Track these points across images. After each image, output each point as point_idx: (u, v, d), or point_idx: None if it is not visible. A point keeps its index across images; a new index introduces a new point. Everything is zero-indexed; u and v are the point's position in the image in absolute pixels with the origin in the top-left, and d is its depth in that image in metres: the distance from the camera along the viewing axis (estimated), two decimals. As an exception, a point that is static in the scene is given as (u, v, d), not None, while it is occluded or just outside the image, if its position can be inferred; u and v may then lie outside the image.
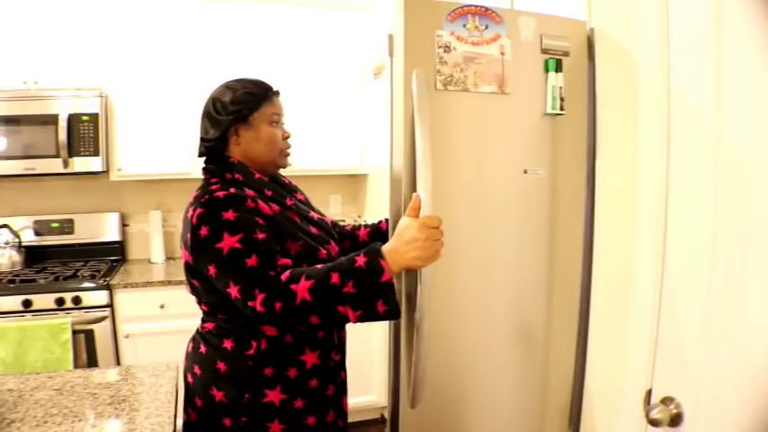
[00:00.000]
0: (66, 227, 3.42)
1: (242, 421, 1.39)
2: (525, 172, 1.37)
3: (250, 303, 1.24)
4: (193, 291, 1.45)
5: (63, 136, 2.99)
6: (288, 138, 1.53)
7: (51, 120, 3.00)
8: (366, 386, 3.32)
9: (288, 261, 1.29)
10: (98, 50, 3.09)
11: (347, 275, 1.21)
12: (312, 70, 3.40)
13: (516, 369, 1.51)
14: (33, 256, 3.33)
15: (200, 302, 1.46)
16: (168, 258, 3.53)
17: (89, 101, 3.06)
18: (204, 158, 1.51)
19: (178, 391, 1.52)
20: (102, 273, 3.08)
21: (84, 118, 3.05)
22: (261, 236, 1.29)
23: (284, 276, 1.23)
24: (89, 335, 2.88)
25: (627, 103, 1.35)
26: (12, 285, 2.87)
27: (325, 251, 1.45)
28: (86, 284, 2.90)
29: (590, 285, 1.49)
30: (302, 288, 1.20)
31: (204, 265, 1.32)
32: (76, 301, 2.85)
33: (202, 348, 1.45)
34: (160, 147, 3.22)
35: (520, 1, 2.13)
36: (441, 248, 1.20)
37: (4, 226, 3.20)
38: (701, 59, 1.17)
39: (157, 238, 3.48)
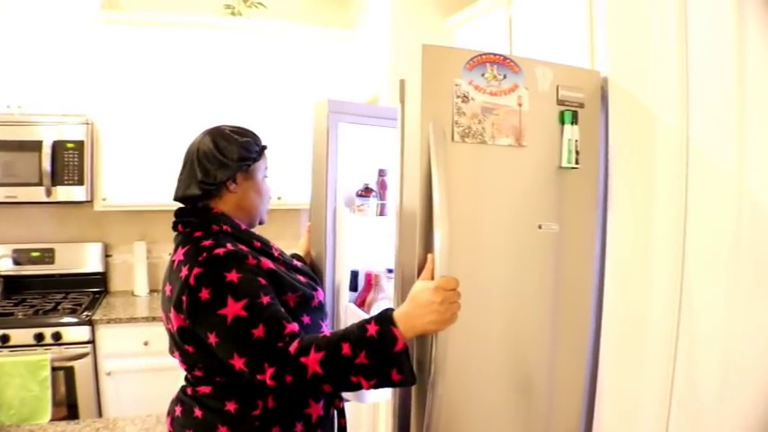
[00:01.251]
0: (47, 257, 3.31)
1: None
2: (540, 227, 1.32)
3: (259, 377, 1.19)
4: (185, 357, 1.36)
5: (47, 164, 2.90)
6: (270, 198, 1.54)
7: (35, 146, 2.92)
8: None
9: (294, 327, 1.23)
10: (85, 77, 3.03)
11: (359, 345, 1.16)
12: (292, 103, 3.32)
13: (524, 421, 1.46)
14: (12, 286, 3.21)
15: (191, 368, 1.37)
16: (152, 291, 3.43)
17: (74, 128, 2.99)
18: (178, 209, 1.43)
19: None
20: (83, 306, 2.97)
21: (69, 145, 2.97)
22: (266, 299, 1.24)
23: (293, 348, 1.18)
24: (69, 372, 2.77)
25: (641, 156, 1.33)
26: (-13, 320, 2.76)
27: (316, 299, 1.44)
28: (67, 319, 2.80)
29: (599, 340, 1.45)
30: (313, 361, 1.16)
31: (204, 332, 1.25)
32: (56, 336, 2.74)
33: (197, 413, 1.34)
34: (146, 177, 3.14)
35: (518, 46, 2.13)
36: (458, 311, 1.15)
37: (-19, 256, 3.09)
38: (722, 112, 1.15)
39: (141, 269, 3.38)
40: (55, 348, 2.73)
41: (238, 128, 1.47)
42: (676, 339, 1.28)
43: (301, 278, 1.45)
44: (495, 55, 1.23)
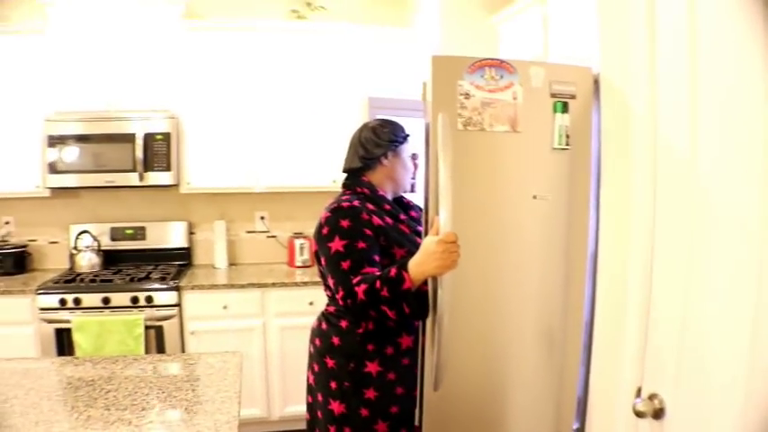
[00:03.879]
0: (139, 233, 3.81)
1: (345, 385, 1.77)
2: (534, 197, 1.61)
3: (337, 296, 1.66)
4: (321, 275, 1.83)
5: (139, 153, 3.38)
6: (415, 169, 1.97)
7: (129, 138, 3.40)
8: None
9: (373, 270, 1.64)
10: (169, 77, 3.49)
11: (384, 282, 1.56)
12: (351, 98, 3.62)
13: (530, 363, 1.74)
14: (109, 258, 3.73)
15: (325, 288, 1.83)
16: (230, 264, 3.87)
17: (162, 121, 3.45)
18: (346, 175, 1.93)
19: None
20: (171, 275, 3.44)
21: (158, 137, 3.43)
22: (361, 245, 1.68)
23: (355, 280, 1.62)
24: (159, 330, 3.24)
25: (622, 142, 1.57)
26: (93, 284, 3.26)
27: None
28: (158, 285, 3.26)
29: (594, 293, 1.71)
30: (361, 290, 1.60)
31: (320, 257, 1.77)
32: (149, 300, 3.21)
33: (324, 326, 1.86)
34: (224, 163, 3.59)
35: (553, 44, 2.36)
36: (457, 259, 1.48)
37: (85, 231, 3.61)
38: (679, 107, 1.38)
39: (221, 245, 3.82)
40: (147, 310, 3.21)
41: (388, 120, 1.93)
42: (650, 288, 1.52)
43: (418, 240, 1.81)
44: (492, 59, 1.52)
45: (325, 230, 1.72)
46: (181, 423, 1.43)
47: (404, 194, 2.00)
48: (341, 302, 1.65)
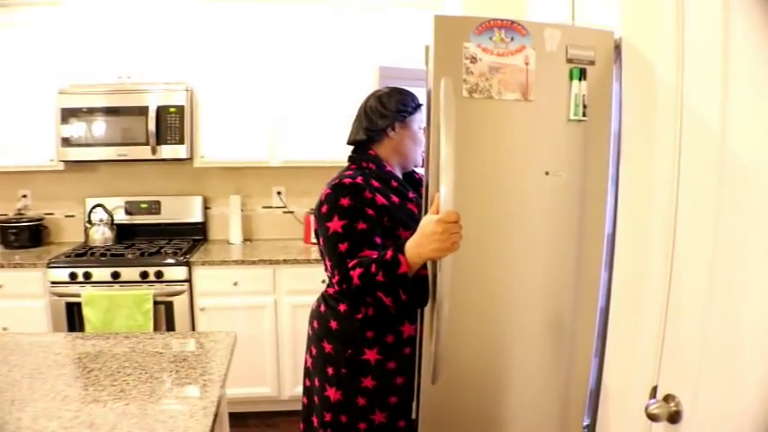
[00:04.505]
0: (154, 208, 3.77)
1: (342, 372, 1.67)
2: (547, 174, 1.46)
3: (333, 280, 1.56)
4: (321, 255, 1.71)
5: (152, 126, 3.31)
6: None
7: (142, 111, 3.33)
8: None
9: (372, 253, 1.52)
10: (184, 47, 3.41)
11: (379, 266, 1.44)
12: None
13: (537, 353, 1.61)
14: (124, 233, 3.70)
15: (326, 268, 1.70)
16: (245, 240, 3.81)
17: (176, 94, 3.37)
18: (353, 147, 1.80)
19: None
20: (183, 251, 3.39)
21: (172, 110, 3.35)
22: (361, 226, 1.55)
23: (351, 263, 1.50)
24: (169, 306, 3.19)
25: (646, 112, 1.41)
26: (103, 258, 3.23)
27: None
28: (168, 260, 3.21)
29: (611, 282, 1.57)
30: (356, 274, 1.48)
31: (318, 236, 1.65)
32: (159, 275, 3.16)
33: (322, 308, 1.76)
34: (240, 137, 3.50)
35: (579, 15, 2.18)
36: (459, 240, 1.34)
37: (99, 205, 3.58)
38: (710, 73, 1.22)
39: (236, 220, 3.75)
40: (157, 285, 3.16)
41: (398, 88, 1.79)
42: (669, 279, 1.38)
43: None
44: (502, 20, 1.37)
45: (324, 209, 1.60)
46: (155, 406, 1.35)
47: (416, 169, 1.87)
48: (336, 287, 1.55)
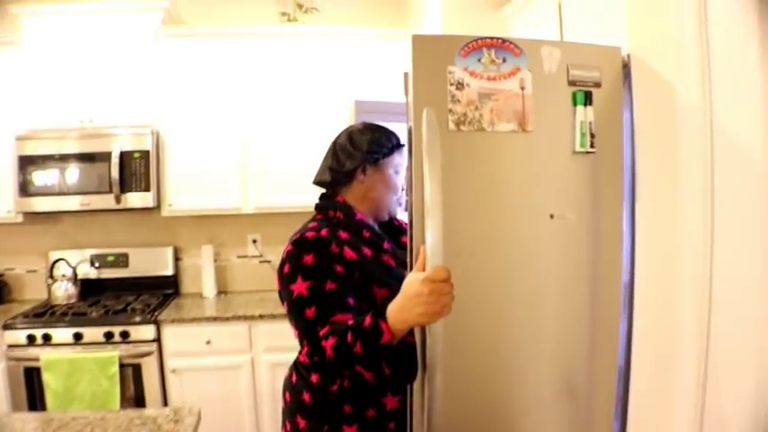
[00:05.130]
0: (122, 261, 3.50)
1: None
2: (552, 217, 1.24)
3: (302, 350, 1.32)
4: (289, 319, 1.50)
5: (115, 172, 3.07)
6: (403, 189, 1.57)
7: (105, 157, 3.10)
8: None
9: (346, 317, 1.31)
10: (150, 88, 3.19)
11: (357, 335, 1.21)
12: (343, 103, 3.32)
13: (549, 426, 1.37)
14: (90, 288, 3.42)
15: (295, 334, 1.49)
16: (220, 292, 3.55)
17: (141, 138, 3.14)
18: (321, 194, 1.59)
19: None
20: (151, 307, 3.11)
21: (136, 155, 3.12)
22: (330, 286, 1.34)
23: (323, 331, 1.27)
24: (137, 369, 2.91)
25: (666, 139, 1.21)
26: (65, 318, 2.95)
27: None
28: (135, 319, 2.94)
29: (630, 338, 1.34)
30: (329, 345, 1.25)
31: (283, 299, 1.42)
32: (124, 335, 2.88)
33: (294, 377, 1.54)
34: (210, 182, 3.26)
35: (568, 32, 2.01)
36: (450, 302, 1.11)
37: (61, 260, 3.31)
38: (745, 91, 1.03)
39: (209, 272, 3.50)
40: (123, 346, 2.88)
41: (375, 125, 1.57)
42: (707, 337, 1.16)
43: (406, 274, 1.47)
44: (492, 39, 1.17)
45: (286, 268, 1.38)
46: None
47: (393, 216, 1.63)
48: (306, 359, 1.31)
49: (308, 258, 1.35)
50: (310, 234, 1.39)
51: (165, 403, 2.97)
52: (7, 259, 3.55)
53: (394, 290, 1.30)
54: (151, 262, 3.53)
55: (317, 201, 1.58)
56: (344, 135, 1.55)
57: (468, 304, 1.20)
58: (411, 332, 1.22)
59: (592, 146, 1.22)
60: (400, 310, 1.16)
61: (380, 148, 1.50)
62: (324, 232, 1.40)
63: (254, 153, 3.27)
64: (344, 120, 3.08)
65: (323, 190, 1.59)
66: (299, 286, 1.33)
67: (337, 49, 3.29)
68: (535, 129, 1.22)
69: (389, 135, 1.55)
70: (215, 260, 3.53)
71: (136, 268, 3.50)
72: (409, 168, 1.26)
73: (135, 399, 2.91)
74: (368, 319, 1.20)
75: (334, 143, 1.56)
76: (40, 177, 3.10)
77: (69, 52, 3.14)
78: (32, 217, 3.31)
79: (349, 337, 1.21)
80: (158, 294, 3.43)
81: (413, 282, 1.14)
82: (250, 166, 3.27)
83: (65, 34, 3.14)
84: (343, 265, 1.37)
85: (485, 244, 1.23)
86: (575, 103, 1.24)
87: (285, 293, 1.38)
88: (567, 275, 1.29)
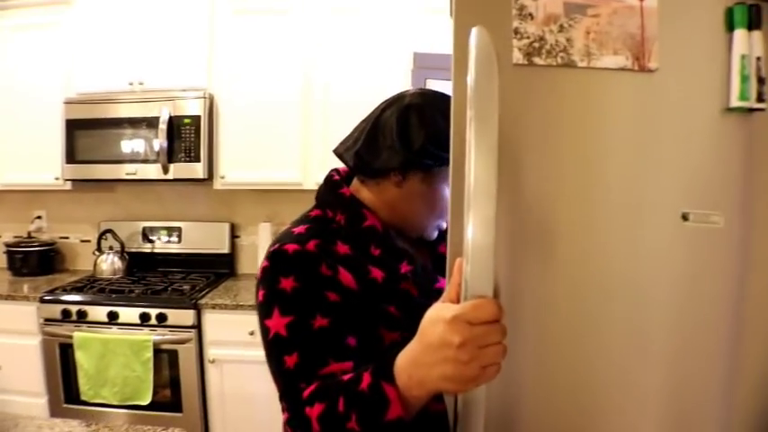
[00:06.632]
0: (175, 235, 3.26)
1: None
2: (685, 218, 0.75)
3: (282, 415, 0.92)
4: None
5: (162, 139, 2.80)
6: None
7: (153, 122, 2.84)
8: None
9: (344, 366, 0.89)
10: (204, 47, 2.89)
11: (351, 402, 0.80)
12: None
13: None
14: (141, 263, 3.23)
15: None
16: (276, 275, 3.23)
17: (192, 102, 2.85)
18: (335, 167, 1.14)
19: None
20: (197, 288, 2.84)
21: (186, 120, 2.85)
22: (319, 323, 0.92)
23: (308, 390, 0.87)
24: (173, 355, 2.65)
25: None
26: (102, 294, 2.73)
27: None
28: (174, 301, 2.67)
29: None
30: (314, 414, 0.84)
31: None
32: (161, 318, 2.63)
33: None
34: (268, 153, 2.94)
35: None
36: (499, 359, 0.65)
37: (108, 231, 3.11)
38: None
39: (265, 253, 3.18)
40: (159, 329, 2.63)
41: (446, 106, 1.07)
42: None
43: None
44: None
45: (260, 295, 0.97)
46: None
47: (428, 239, 1.12)
48: (288, 429, 0.90)
49: (287, 283, 0.93)
50: (291, 247, 0.96)
51: (204, 395, 2.70)
52: (61, 227, 3.44)
53: (408, 337, 0.88)
54: (206, 238, 3.28)
55: (319, 186, 1.12)
56: (395, 110, 1.03)
57: (539, 356, 0.74)
58: (438, 398, 0.78)
59: (760, 98, 0.72)
60: (416, 366, 0.71)
61: (441, 152, 0.96)
62: (311, 245, 0.97)
63: (317, 122, 2.90)
64: (399, 80, 2.63)
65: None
66: (276, 323, 0.92)
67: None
68: (662, 66, 0.72)
69: None
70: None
71: (189, 244, 3.27)
72: (452, 122, 0.80)
73: (170, 388, 2.65)
74: (366, 380, 0.78)
75: (378, 116, 1.05)
76: (86, 143, 2.91)
77: (121, 10, 2.90)
78: (84, 185, 3.13)
79: (341, 404, 0.80)
80: (211, 274, 3.17)
81: (436, 320, 0.68)
82: (312, 137, 2.91)
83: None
84: (338, 291, 0.95)
85: (568, 259, 0.75)
86: (731, 26, 0.73)
87: (260, 328, 0.97)
88: (702, 311, 0.79)
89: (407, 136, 0.99)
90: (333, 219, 1.04)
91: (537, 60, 0.69)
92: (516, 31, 0.69)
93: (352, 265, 0.98)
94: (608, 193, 0.74)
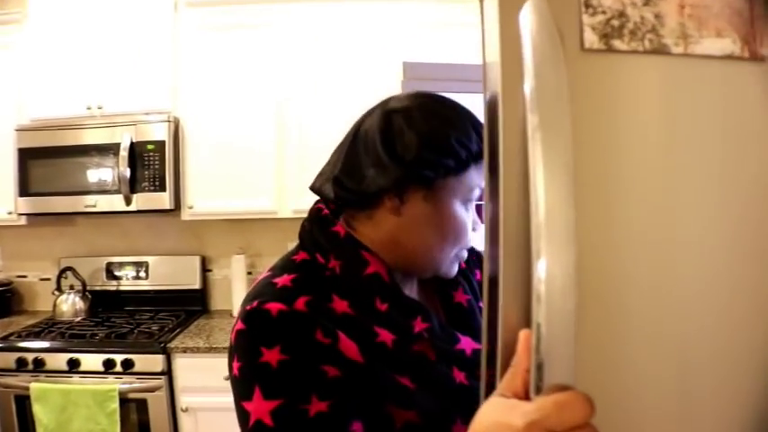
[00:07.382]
0: (141, 270, 3.01)
1: None
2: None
3: None
4: None
5: (123, 168, 2.57)
6: (475, 230, 0.86)
7: (113, 149, 2.61)
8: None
9: None
10: (167, 69, 2.69)
11: None
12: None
13: None
14: (105, 302, 2.96)
15: None
16: (252, 310, 3.00)
17: (155, 127, 2.64)
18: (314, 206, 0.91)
19: None
20: (166, 329, 2.59)
21: (149, 146, 2.62)
22: (315, 408, 0.71)
23: None
24: (141, 405, 2.39)
25: None
26: (61, 340, 2.47)
27: (462, 419, 0.76)
28: (141, 345, 2.43)
29: None
30: None
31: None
32: (127, 364, 2.38)
33: None
34: (239, 180, 2.72)
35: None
36: None
37: (69, 268, 2.85)
38: None
39: (239, 287, 2.94)
40: (126, 377, 2.37)
41: (442, 101, 0.83)
42: None
43: (458, 375, 0.80)
44: None
45: (235, 369, 0.76)
46: None
47: (446, 277, 0.90)
48: None
49: (272, 355, 0.71)
50: (274, 306, 0.74)
51: (176, 448, 2.44)
52: (18, 265, 3.16)
53: (425, 415, 0.70)
54: (175, 273, 3.03)
55: (302, 223, 0.89)
56: (376, 118, 0.82)
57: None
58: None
59: None
60: None
61: (442, 158, 0.78)
62: (301, 303, 0.75)
63: (292, 145, 2.70)
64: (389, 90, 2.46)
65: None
66: (258, 407, 0.71)
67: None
68: (777, 52, 0.55)
69: (466, 129, 0.79)
70: (249, 272, 2.98)
71: (158, 279, 3.02)
72: (487, 129, 0.61)
73: (139, 442, 2.40)
74: None
75: (356, 130, 0.85)
76: (41, 174, 2.67)
77: (77, 29, 2.68)
78: (41, 219, 2.88)
79: None
80: (181, 312, 2.92)
81: (500, 428, 0.45)
82: (287, 161, 2.71)
83: (74, 8, 2.67)
84: (339, 364, 0.74)
85: (671, 309, 0.55)
86: None
87: (237, 410, 0.76)
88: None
89: (395, 145, 0.78)
90: (325, 265, 0.82)
91: (617, 44, 0.51)
92: (588, 6, 0.51)
93: (355, 327, 0.76)
94: (717, 212, 0.55)
